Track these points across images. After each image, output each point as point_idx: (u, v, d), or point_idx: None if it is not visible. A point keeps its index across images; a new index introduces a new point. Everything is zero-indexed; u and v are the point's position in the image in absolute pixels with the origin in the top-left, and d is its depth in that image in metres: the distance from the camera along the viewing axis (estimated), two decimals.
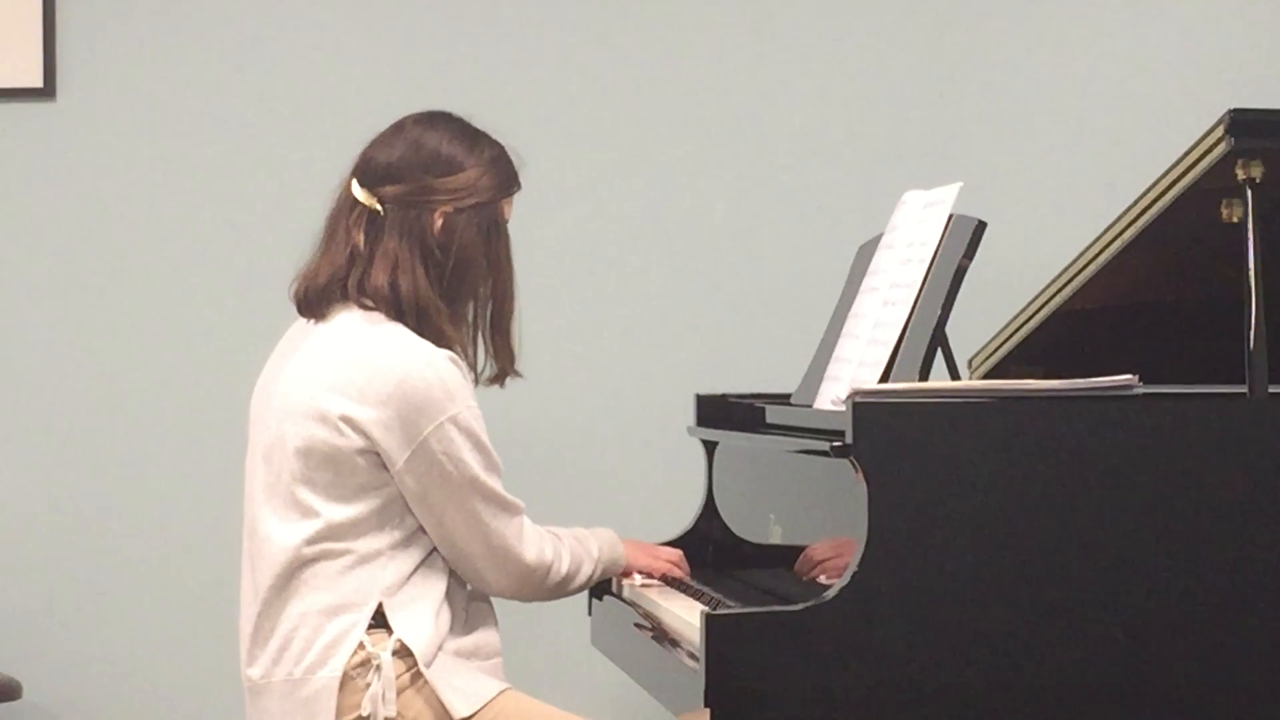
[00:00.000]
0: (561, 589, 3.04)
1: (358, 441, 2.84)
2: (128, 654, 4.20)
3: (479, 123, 3.00)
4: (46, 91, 4.20)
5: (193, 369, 4.22)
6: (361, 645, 2.82)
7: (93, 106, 4.23)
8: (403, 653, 2.83)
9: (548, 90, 4.20)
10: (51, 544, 4.21)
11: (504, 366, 3.03)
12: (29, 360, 4.24)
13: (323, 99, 4.21)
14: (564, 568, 3.01)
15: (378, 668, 2.81)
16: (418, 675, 2.83)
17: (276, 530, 2.88)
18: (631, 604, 3.20)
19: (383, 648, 2.82)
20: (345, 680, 2.82)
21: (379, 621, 2.85)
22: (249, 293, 4.19)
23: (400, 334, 2.89)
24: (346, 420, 2.84)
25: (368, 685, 2.81)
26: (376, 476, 2.86)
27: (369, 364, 2.85)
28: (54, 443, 4.23)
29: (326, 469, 2.85)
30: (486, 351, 3.02)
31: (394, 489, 2.87)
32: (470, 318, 2.99)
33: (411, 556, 2.89)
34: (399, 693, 2.82)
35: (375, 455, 2.85)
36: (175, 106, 4.23)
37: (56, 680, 4.19)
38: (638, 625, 3.09)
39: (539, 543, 2.98)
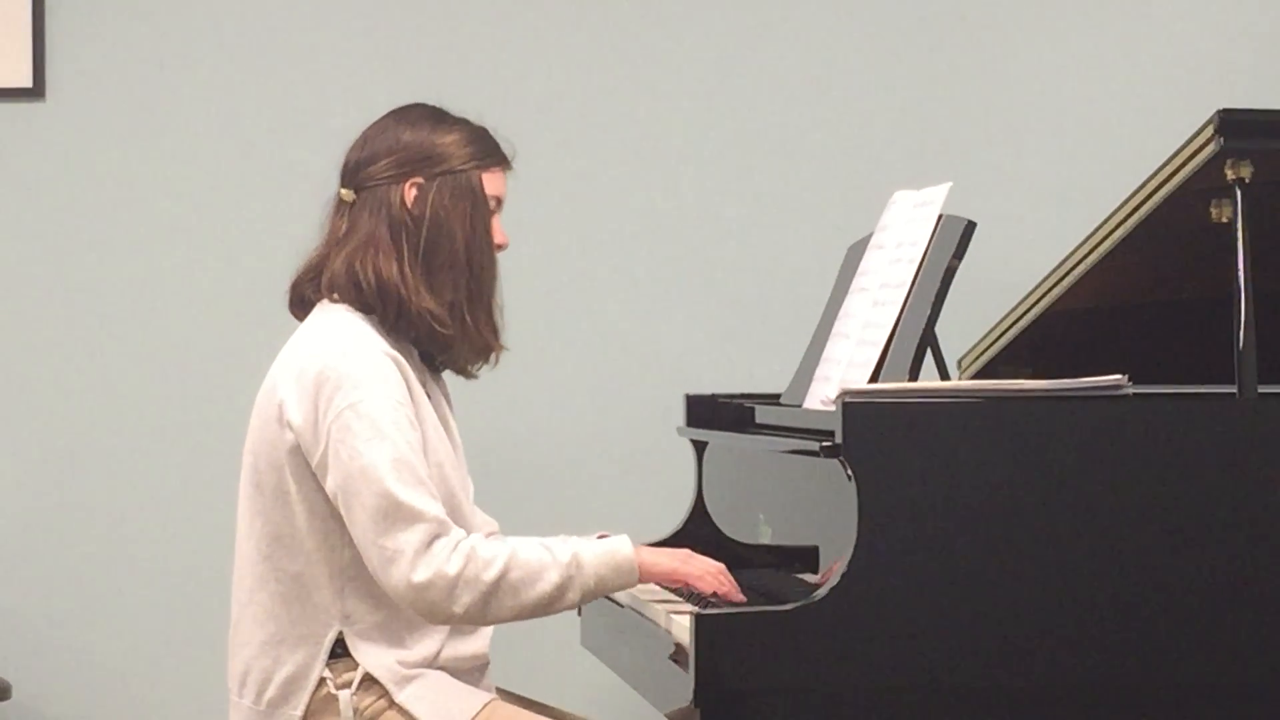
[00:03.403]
0: (501, 611, 2.75)
1: (290, 438, 2.77)
2: (118, 655, 4.19)
3: (472, 117, 2.99)
4: (36, 91, 4.19)
5: (186, 368, 4.21)
6: (324, 682, 2.78)
7: (82, 106, 4.22)
8: (369, 682, 2.78)
9: (541, 87, 4.20)
10: (42, 543, 4.20)
11: (487, 341, 2.91)
12: (20, 360, 4.23)
13: (315, 99, 4.20)
14: (488, 588, 2.71)
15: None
16: (393, 701, 2.78)
17: (243, 544, 2.85)
18: (621, 604, 3.20)
19: (346, 683, 2.78)
20: (311, 715, 2.78)
21: (345, 650, 2.79)
22: (241, 293, 4.18)
23: (339, 324, 2.82)
24: (281, 410, 2.78)
25: None
26: (313, 491, 2.77)
27: (302, 355, 2.79)
28: (46, 443, 4.22)
29: (271, 474, 2.79)
30: (470, 325, 2.88)
31: (331, 509, 2.76)
32: (453, 289, 2.86)
33: (365, 582, 2.77)
34: (379, 715, 2.78)
35: (305, 460, 2.77)
36: (165, 107, 4.22)
37: (46, 681, 4.18)
38: (628, 625, 3.09)
39: (442, 560, 2.69)
